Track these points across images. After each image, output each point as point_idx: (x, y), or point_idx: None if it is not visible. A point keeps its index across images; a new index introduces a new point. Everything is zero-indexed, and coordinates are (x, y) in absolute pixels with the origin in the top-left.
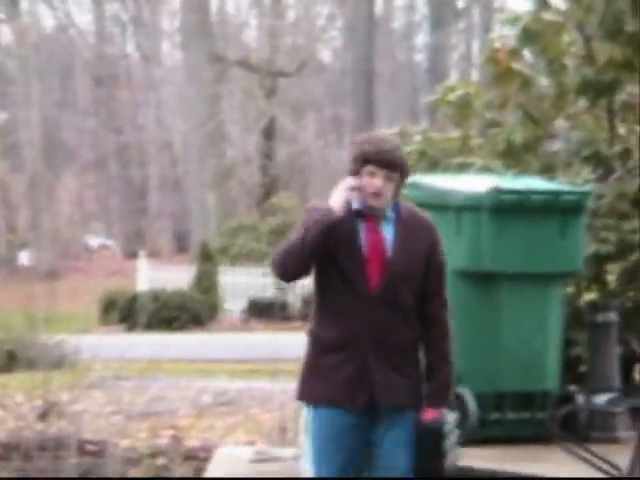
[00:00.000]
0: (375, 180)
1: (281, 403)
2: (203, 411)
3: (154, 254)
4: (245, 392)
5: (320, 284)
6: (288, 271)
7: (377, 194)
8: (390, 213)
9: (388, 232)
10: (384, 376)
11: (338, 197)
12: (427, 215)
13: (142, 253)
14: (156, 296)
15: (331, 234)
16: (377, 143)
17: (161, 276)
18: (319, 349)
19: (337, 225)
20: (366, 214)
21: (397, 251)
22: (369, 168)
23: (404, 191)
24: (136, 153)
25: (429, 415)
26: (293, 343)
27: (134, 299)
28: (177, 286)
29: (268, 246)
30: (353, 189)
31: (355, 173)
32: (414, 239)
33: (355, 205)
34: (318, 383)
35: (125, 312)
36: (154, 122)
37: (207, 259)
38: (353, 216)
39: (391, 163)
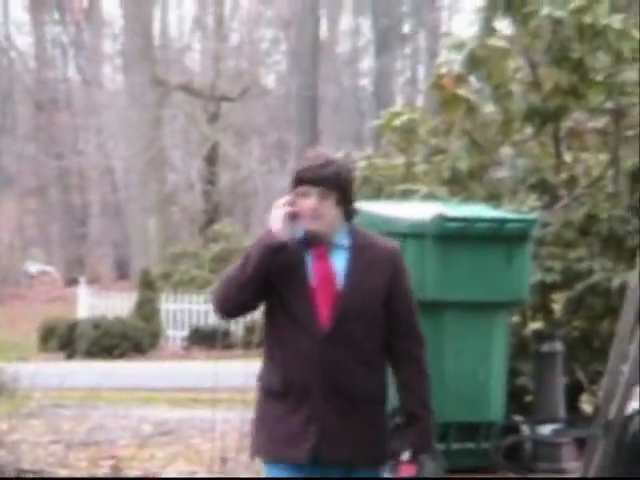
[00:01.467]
0: (309, 200)
1: (222, 433)
2: (144, 441)
3: (95, 281)
4: (186, 422)
5: (267, 323)
6: (229, 303)
7: (314, 216)
8: (343, 240)
9: (340, 261)
10: (332, 429)
11: (277, 219)
12: (391, 242)
13: (82, 280)
14: (96, 324)
15: (275, 258)
16: (310, 159)
17: (102, 303)
18: (265, 397)
19: (280, 249)
20: (311, 241)
21: (349, 282)
22: (302, 188)
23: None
24: (77, 179)
25: (404, 470)
26: (234, 372)
27: (74, 326)
28: (118, 313)
29: (210, 273)
30: (289, 216)
31: (292, 198)
32: (371, 269)
33: (298, 233)
34: (263, 437)
35: (65, 340)
36: (95, 147)
37: (148, 286)
38: (298, 245)
39: (324, 179)
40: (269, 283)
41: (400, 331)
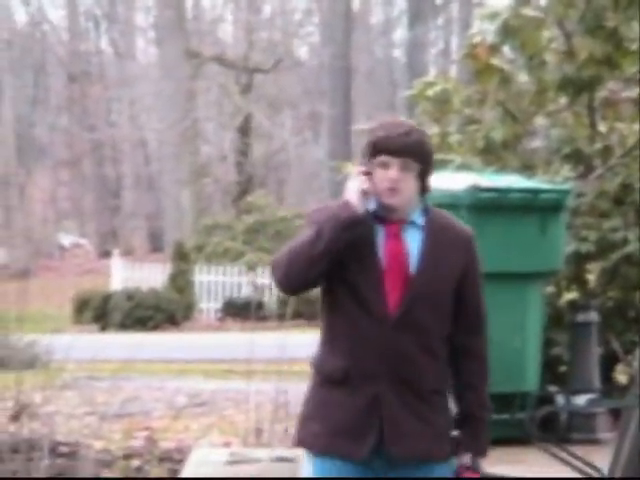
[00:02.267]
0: (389, 172)
1: (257, 404)
2: (178, 412)
3: (128, 253)
4: (220, 393)
5: (327, 303)
6: (296, 279)
7: (393, 189)
8: (417, 218)
9: (413, 241)
10: (398, 421)
11: (354, 190)
12: (466, 226)
13: (116, 252)
14: (130, 295)
15: (350, 234)
16: (389, 127)
17: (135, 275)
18: (321, 383)
19: (358, 224)
20: (385, 217)
21: (423, 266)
22: (381, 158)
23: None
24: (110, 151)
25: (467, 475)
26: (269, 343)
27: (108, 298)
28: (151, 285)
29: (244, 245)
30: (364, 190)
31: (367, 169)
32: (446, 253)
33: (370, 206)
34: (317, 426)
35: (99, 312)
36: (128, 119)
37: (182, 258)
38: (369, 219)
39: (408, 149)
40: (337, 260)
41: (466, 323)
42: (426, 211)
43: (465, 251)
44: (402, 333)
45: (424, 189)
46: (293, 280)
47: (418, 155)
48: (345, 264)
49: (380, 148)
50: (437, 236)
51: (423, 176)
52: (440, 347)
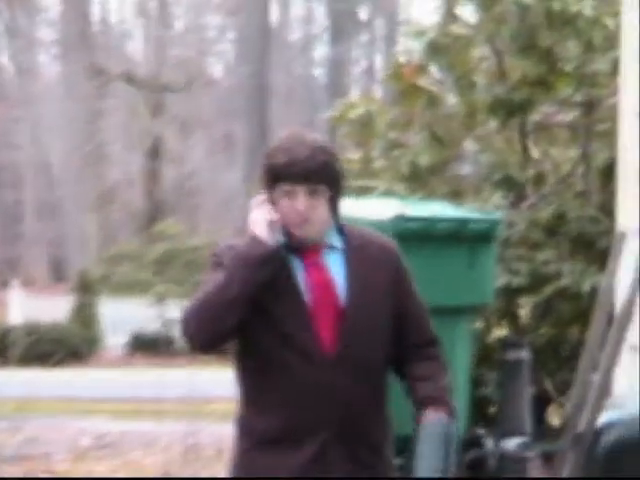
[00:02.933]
0: (296, 202)
1: (166, 446)
2: (82, 454)
3: (28, 283)
4: (128, 434)
5: (246, 353)
6: (211, 332)
7: (303, 220)
8: (335, 241)
9: (336, 267)
10: (342, 470)
11: (260, 222)
12: (386, 238)
13: (15, 282)
14: (30, 329)
15: (264, 271)
16: (289, 150)
17: (36, 307)
18: (254, 443)
19: (272, 259)
20: (299, 246)
21: (353, 292)
22: (285, 187)
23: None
24: (10, 175)
25: (430, 417)
26: (179, 380)
27: (6, 333)
28: (54, 318)
29: (153, 275)
30: (269, 223)
31: (269, 197)
32: (374, 272)
33: (279, 237)
34: None
35: None
36: (30, 141)
37: (86, 289)
38: (282, 250)
39: (314, 174)
40: (254, 304)
41: (411, 339)
42: (341, 230)
43: (392, 265)
44: (343, 374)
45: (336, 210)
46: (208, 334)
47: (326, 179)
48: (264, 306)
49: (282, 176)
50: (360, 256)
51: (334, 198)
52: (385, 383)
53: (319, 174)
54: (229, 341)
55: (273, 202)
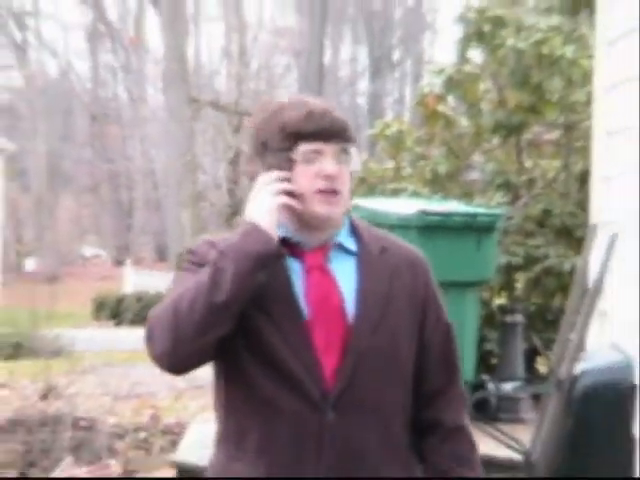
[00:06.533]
0: (324, 165)
1: None
2: (179, 394)
3: (138, 263)
4: None
5: (230, 380)
6: (188, 345)
7: (333, 191)
8: (345, 240)
9: (344, 275)
10: None
11: (268, 207)
12: (409, 244)
13: (128, 261)
14: (139, 297)
15: (262, 273)
16: (300, 103)
17: (144, 281)
18: None
19: (277, 259)
20: (298, 244)
21: (367, 308)
22: (307, 147)
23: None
24: (124, 179)
25: None
26: None
27: (121, 300)
28: (157, 289)
29: None
30: (284, 203)
31: (280, 166)
32: (394, 285)
33: (279, 230)
34: None
35: (114, 311)
36: (140, 153)
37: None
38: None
39: (343, 128)
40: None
41: (433, 383)
42: (354, 229)
43: (420, 277)
44: (347, 417)
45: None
46: (183, 349)
47: (353, 138)
48: (250, 319)
49: (303, 133)
50: (377, 263)
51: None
52: (403, 430)
53: (348, 130)
54: (206, 362)
55: (289, 178)
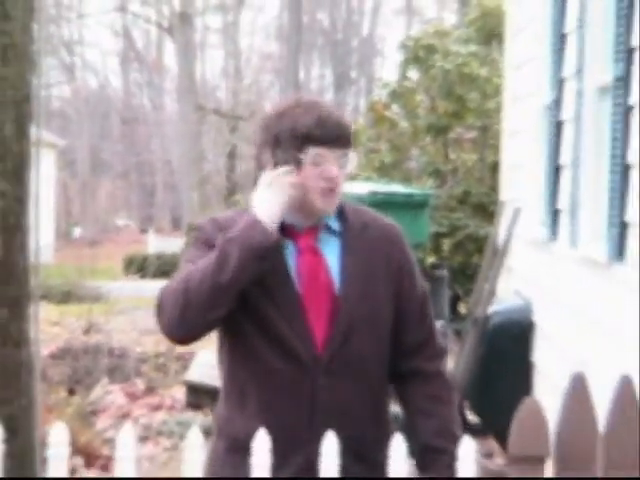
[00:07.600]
0: (328, 168)
1: None
2: None
3: (159, 231)
4: None
5: (229, 344)
6: (194, 318)
7: (332, 190)
8: (332, 222)
9: (331, 253)
10: None
11: (274, 201)
12: (387, 218)
13: (151, 230)
14: (160, 256)
15: (264, 261)
16: (314, 109)
17: (163, 244)
18: (229, 450)
19: (276, 249)
20: (290, 226)
21: (350, 283)
22: (316, 151)
23: None
24: (148, 167)
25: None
26: None
27: (145, 258)
28: (173, 250)
29: None
30: (293, 195)
31: (287, 162)
32: (373, 260)
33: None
34: None
35: (140, 267)
36: (159, 148)
37: (192, 233)
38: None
39: (346, 136)
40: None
41: (412, 341)
42: (341, 211)
43: (396, 250)
44: (336, 377)
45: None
46: (190, 323)
47: (352, 143)
48: (249, 294)
49: (313, 138)
50: (359, 240)
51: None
52: (383, 387)
53: (350, 137)
54: (208, 333)
55: (297, 174)
